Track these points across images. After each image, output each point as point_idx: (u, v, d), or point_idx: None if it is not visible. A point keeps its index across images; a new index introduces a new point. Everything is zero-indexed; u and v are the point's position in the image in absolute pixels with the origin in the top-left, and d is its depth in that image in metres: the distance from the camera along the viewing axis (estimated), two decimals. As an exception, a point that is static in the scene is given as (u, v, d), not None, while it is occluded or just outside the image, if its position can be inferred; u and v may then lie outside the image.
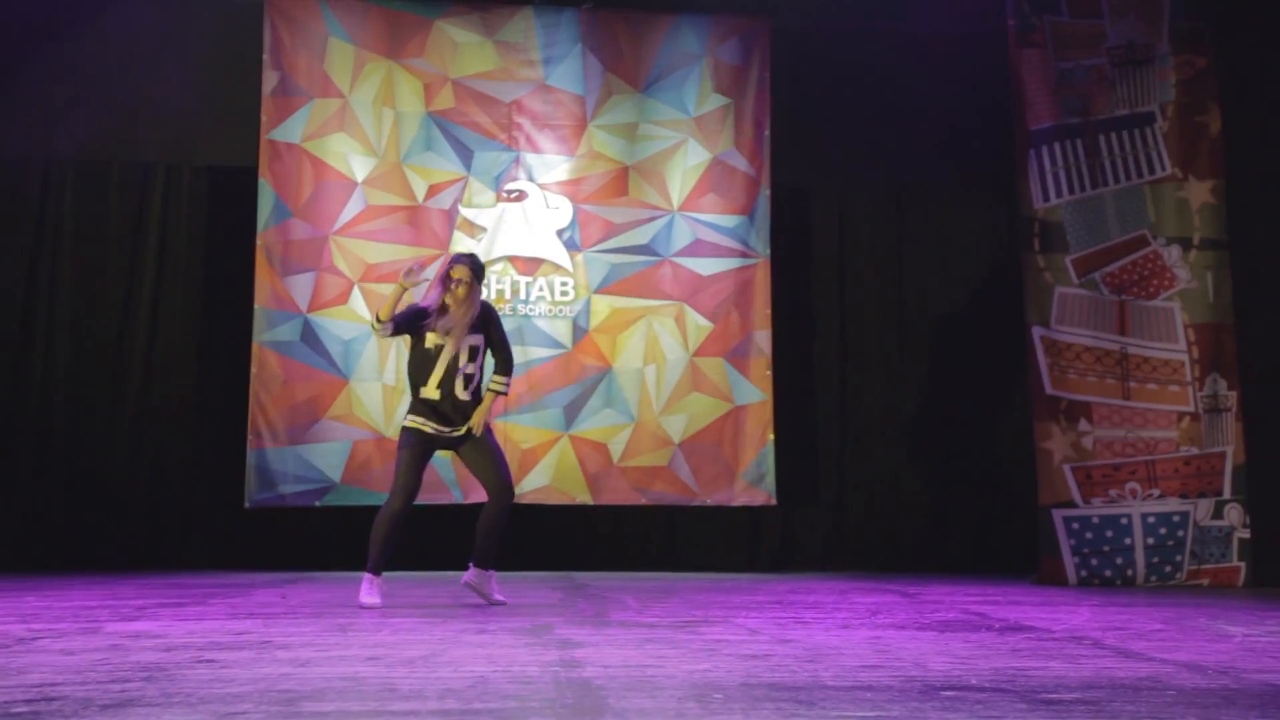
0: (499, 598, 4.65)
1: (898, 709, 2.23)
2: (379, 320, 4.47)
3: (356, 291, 7.09)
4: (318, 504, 6.91)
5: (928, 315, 7.83)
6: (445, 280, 4.54)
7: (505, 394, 4.77)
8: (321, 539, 7.06)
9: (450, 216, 7.26)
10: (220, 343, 7.24)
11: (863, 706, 2.25)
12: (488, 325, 4.63)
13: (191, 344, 7.28)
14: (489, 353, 4.66)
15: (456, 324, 4.52)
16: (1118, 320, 6.58)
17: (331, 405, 6.97)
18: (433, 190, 7.26)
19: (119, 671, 2.63)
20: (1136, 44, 6.76)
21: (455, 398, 4.53)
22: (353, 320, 7.06)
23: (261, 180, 7.06)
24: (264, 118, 7.11)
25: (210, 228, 7.38)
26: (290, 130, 7.13)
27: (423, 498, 7.01)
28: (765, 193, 7.47)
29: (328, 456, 6.93)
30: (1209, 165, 6.68)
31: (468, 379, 4.55)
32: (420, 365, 4.56)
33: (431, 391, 4.52)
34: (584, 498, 7.14)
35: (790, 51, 7.61)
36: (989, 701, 2.33)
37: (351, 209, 7.15)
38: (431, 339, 4.53)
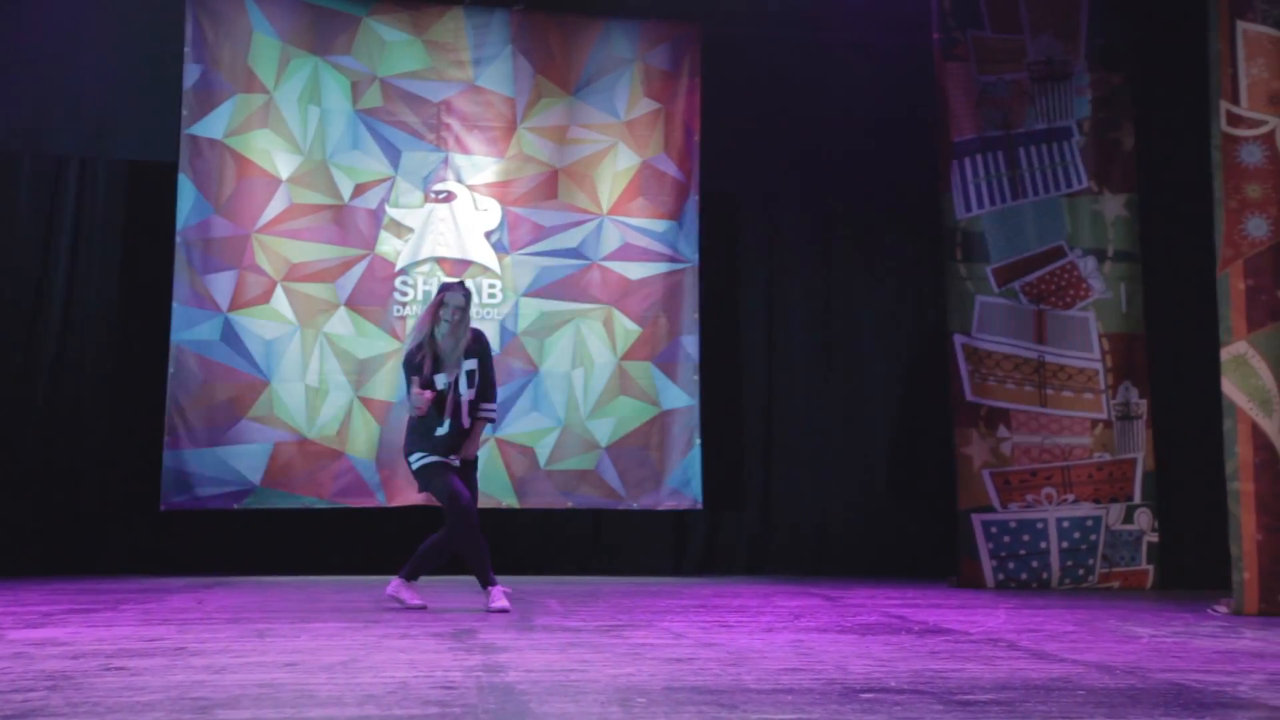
0: (416, 602, 4.59)
1: (818, 711, 2.25)
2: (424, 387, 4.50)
3: (279, 290, 6.96)
4: (237, 507, 6.77)
5: (853, 321, 7.92)
6: (437, 310, 4.60)
7: (493, 420, 4.88)
8: (241, 543, 6.91)
9: (377, 216, 7.16)
10: (137, 341, 7.04)
11: (784, 709, 2.27)
12: (481, 351, 4.71)
13: (106, 342, 7.08)
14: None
15: (448, 354, 4.58)
16: (1036, 329, 6.74)
17: (252, 406, 6.83)
18: (359, 189, 7.16)
19: (21, 680, 2.55)
20: (1055, 60, 6.94)
21: (460, 428, 4.61)
22: (275, 320, 6.92)
23: (181, 176, 6.89)
24: (185, 112, 6.94)
25: (127, 224, 7.17)
26: (212, 125, 6.98)
27: (345, 500, 6.99)
28: (694, 198, 7.50)
29: (247, 459, 6.79)
30: (1123, 179, 6.88)
31: (471, 405, 4.64)
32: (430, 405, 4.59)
33: (444, 427, 4.58)
34: (510, 501, 7.09)
35: (721, 58, 7.65)
36: (907, 703, 2.36)
37: (275, 207, 7.01)
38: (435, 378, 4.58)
